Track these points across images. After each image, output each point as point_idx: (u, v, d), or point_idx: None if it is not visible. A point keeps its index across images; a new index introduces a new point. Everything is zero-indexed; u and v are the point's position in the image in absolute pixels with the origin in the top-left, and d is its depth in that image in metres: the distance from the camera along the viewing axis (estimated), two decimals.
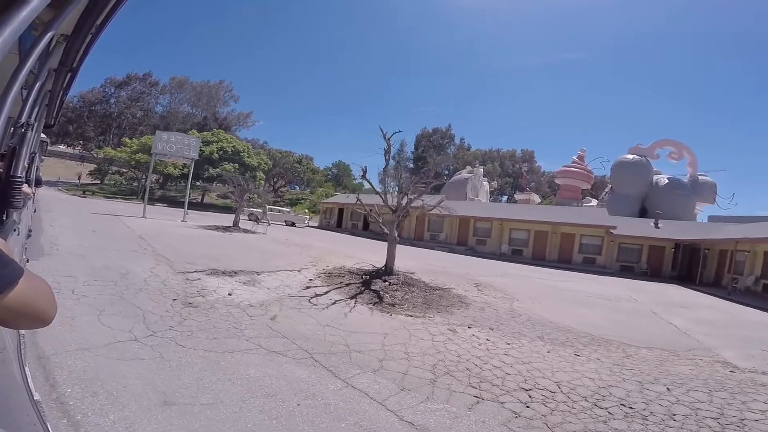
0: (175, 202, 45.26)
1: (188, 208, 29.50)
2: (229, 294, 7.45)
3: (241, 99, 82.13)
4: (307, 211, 49.70)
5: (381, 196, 12.15)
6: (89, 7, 2.11)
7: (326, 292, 8.59)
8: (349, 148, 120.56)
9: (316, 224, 43.35)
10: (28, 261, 4.77)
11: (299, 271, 10.79)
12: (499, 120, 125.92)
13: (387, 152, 11.97)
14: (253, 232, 20.69)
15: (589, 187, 54.86)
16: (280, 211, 39.50)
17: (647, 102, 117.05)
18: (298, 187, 66.11)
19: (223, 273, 9.16)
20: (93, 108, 66.86)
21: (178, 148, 25.90)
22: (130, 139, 50.69)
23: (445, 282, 11.86)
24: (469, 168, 56.36)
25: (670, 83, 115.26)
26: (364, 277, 10.23)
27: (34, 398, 1.55)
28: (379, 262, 12.45)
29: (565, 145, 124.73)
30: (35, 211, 10.67)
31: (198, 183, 49.24)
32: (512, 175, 78.58)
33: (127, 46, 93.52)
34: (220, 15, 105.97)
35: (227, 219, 30.35)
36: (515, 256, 28.01)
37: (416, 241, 32.52)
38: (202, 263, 9.99)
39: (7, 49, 0.84)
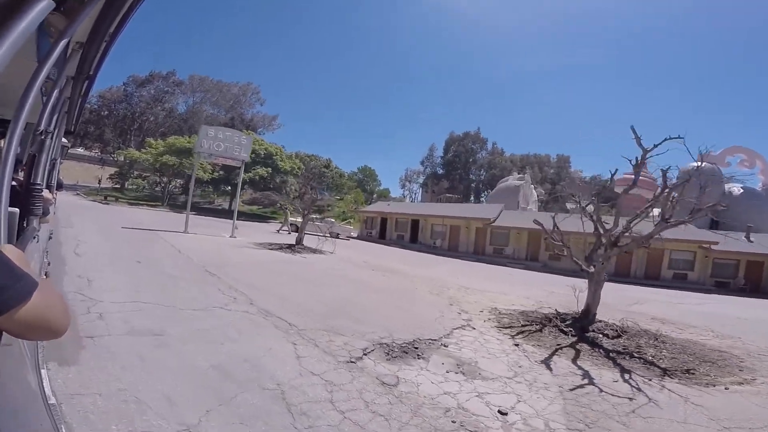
0: (200, 209, 41.54)
1: (214, 216, 27.96)
2: (502, 413, 4.08)
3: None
4: (351, 221, 45.91)
5: (591, 219, 9.31)
6: (102, 15, 2.15)
7: (582, 371, 5.81)
8: (365, 151, 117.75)
9: (356, 235, 39.11)
10: (49, 264, 4.90)
11: (471, 326, 7.64)
12: (525, 123, 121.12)
13: (643, 159, 9.12)
14: (321, 252, 17.31)
15: (653, 195, 52.53)
16: (326, 222, 36.88)
17: (696, 108, 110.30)
18: (327, 194, 65.81)
19: (400, 350, 5.71)
20: (113, 108, 63.10)
21: (227, 147, 20.75)
22: (155, 140, 46.52)
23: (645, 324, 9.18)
24: (516, 174, 54.45)
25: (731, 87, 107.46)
26: (568, 329, 7.70)
27: (49, 402, 1.55)
28: (522, 295, 11.76)
29: (600, 150, 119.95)
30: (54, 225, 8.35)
31: (227, 188, 45.90)
32: (552, 182, 75.30)
33: (145, 45, 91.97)
34: (232, 14, 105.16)
35: (266, 229, 28.74)
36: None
37: (477, 256, 29.49)
38: (342, 327, 6.44)
39: (15, 52, 0.88)
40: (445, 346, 6.21)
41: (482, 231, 31.02)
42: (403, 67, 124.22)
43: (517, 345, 6.73)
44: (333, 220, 37.52)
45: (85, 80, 2.85)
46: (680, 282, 24.79)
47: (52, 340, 0.75)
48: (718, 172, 40.09)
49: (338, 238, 31.17)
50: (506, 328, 7.85)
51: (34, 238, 2.43)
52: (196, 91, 69.40)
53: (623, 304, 12.54)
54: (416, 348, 5.89)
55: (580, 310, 8.36)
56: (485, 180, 76.20)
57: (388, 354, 5.50)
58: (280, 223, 28.76)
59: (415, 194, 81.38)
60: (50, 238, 5.05)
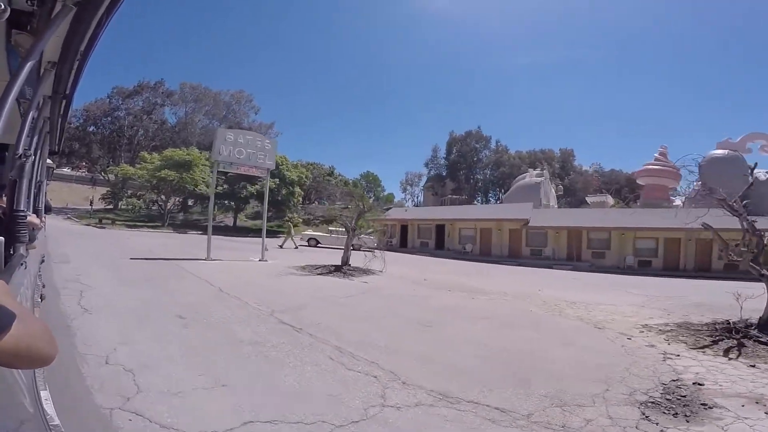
0: (202, 227, 37.84)
1: (221, 234, 25.51)
2: None
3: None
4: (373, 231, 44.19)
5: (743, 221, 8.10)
6: (71, 34, 2.18)
7: None
8: (363, 156, 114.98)
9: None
10: (44, 286, 4.84)
11: (674, 355, 6.22)
12: (522, 119, 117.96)
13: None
14: (371, 271, 14.92)
15: (678, 185, 52.32)
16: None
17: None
18: (326, 202, 63.93)
19: (666, 411, 4.17)
20: (99, 122, 58.77)
21: (249, 153, 17.36)
22: (149, 153, 42.88)
23: None
24: (533, 171, 53.06)
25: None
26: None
27: (52, 424, 1.50)
28: (634, 303, 10.55)
29: (600, 144, 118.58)
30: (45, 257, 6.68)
31: (231, 203, 43.13)
32: (560, 176, 73.75)
33: (128, 56, 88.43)
34: (218, 19, 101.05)
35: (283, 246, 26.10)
36: (642, 267, 26.03)
37: (514, 259, 28.06)
38: (551, 394, 4.42)
39: None
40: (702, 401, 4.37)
41: (517, 232, 29.54)
42: (396, 70, 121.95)
43: (753, 366, 5.66)
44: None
45: (62, 99, 2.83)
46: (732, 272, 23.47)
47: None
48: (741, 159, 40.32)
49: (360, 250, 28.53)
50: (702, 348, 6.64)
51: (22, 264, 2.37)
52: (188, 100, 65.88)
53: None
54: (685, 405, 4.23)
55: (759, 317, 7.35)
56: (494, 179, 74.75)
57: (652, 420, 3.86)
58: (284, 237, 26.89)
59: (417, 197, 79.75)
60: (42, 261, 5.02)
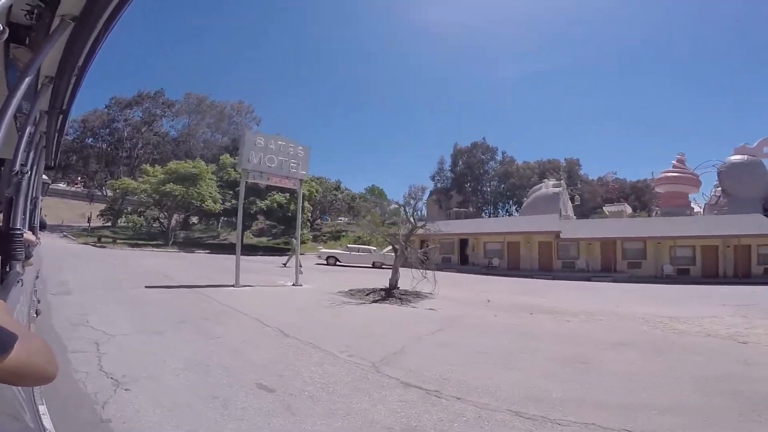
0: (205, 245, 37.89)
1: (228, 252, 21.91)
2: None
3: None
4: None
5: None
6: (68, 49, 2.20)
7: None
8: (367, 171, 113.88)
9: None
10: (39, 302, 4.78)
11: None
12: (523, 129, 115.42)
13: None
14: (423, 295, 13.00)
15: (697, 192, 52.10)
16: (368, 250, 30.57)
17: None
18: (329, 218, 58.75)
19: None
20: (98, 133, 56.41)
21: (281, 161, 14.98)
22: (151, 166, 40.15)
23: None
24: (549, 181, 51.71)
25: None
26: None
27: None
28: (737, 315, 9.74)
29: (602, 153, 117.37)
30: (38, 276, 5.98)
31: (233, 219, 39.35)
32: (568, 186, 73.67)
33: (124, 67, 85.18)
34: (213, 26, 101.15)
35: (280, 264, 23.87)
36: (681, 276, 25.78)
37: (546, 272, 27.29)
38: None
39: None
40: None
41: (547, 245, 28.85)
42: (399, 81, 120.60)
43: None
44: (374, 248, 32.30)
45: (59, 114, 2.83)
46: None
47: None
48: (760, 164, 40.38)
49: (382, 267, 26.99)
50: None
51: (18, 282, 2.39)
52: (192, 111, 63.63)
53: None
54: None
55: None
56: (503, 190, 73.52)
57: None
58: (288, 255, 24.66)
59: (420, 211, 78.90)
60: (37, 277, 5.00)
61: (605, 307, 11.82)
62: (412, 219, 15.89)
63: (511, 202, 70.06)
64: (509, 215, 65.68)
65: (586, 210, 57.28)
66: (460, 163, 75.03)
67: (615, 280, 24.30)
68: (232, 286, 13.07)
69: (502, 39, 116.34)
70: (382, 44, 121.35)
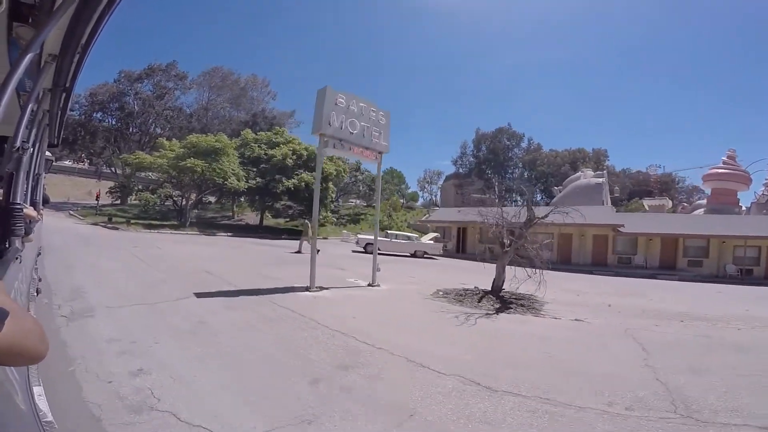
0: (222, 227, 34.88)
1: (246, 234, 20.01)
2: None
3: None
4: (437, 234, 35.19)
5: None
6: (71, 27, 2.20)
7: None
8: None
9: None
10: (40, 280, 4.83)
11: None
12: (546, 117, 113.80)
13: None
14: (533, 298, 10.69)
15: (747, 189, 50.43)
16: (408, 238, 27.53)
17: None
18: (341, 201, 56.11)
19: None
20: (107, 107, 52.83)
21: (363, 128, 11.77)
22: (168, 140, 36.13)
23: None
24: (588, 171, 50.49)
25: None
26: None
27: (45, 420, 1.53)
28: None
29: (629, 145, 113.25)
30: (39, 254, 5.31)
31: (262, 199, 36.61)
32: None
33: (136, 40, 79.10)
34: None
35: (333, 252, 22.29)
36: (744, 276, 25.15)
37: (597, 267, 26.26)
38: None
39: None
40: None
41: (602, 239, 27.59)
42: (420, 65, 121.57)
43: None
44: (415, 235, 29.04)
45: (62, 92, 2.83)
46: None
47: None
48: None
49: (424, 257, 25.82)
50: None
51: (17, 258, 2.38)
52: (211, 85, 60.61)
53: None
54: None
55: None
56: (533, 178, 70.65)
57: None
58: (301, 239, 21.41)
59: (435, 196, 76.90)
60: (39, 254, 5.07)
61: (734, 311, 10.72)
62: (532, 208, 12.25)
63: (538, 191, 68.00)
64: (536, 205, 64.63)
65: (615, 202, 56.22)
66: (483, 148, 73.67)
67: (681, 279, 23.30)
68: (307, 289, 10.06)
69: (523, 26, 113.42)
70: (403, 22, 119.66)
